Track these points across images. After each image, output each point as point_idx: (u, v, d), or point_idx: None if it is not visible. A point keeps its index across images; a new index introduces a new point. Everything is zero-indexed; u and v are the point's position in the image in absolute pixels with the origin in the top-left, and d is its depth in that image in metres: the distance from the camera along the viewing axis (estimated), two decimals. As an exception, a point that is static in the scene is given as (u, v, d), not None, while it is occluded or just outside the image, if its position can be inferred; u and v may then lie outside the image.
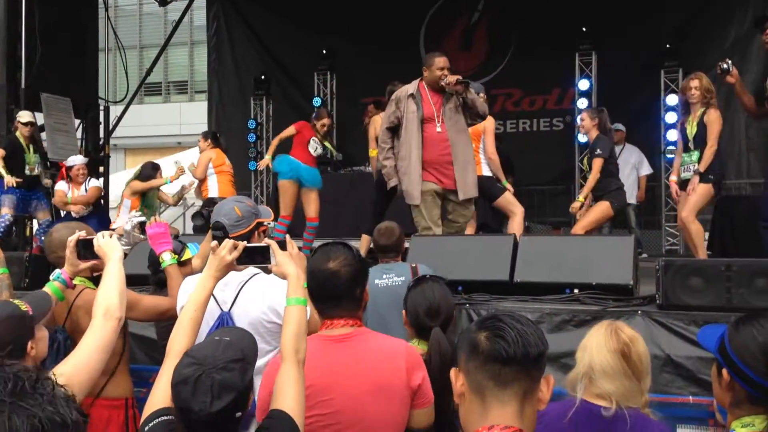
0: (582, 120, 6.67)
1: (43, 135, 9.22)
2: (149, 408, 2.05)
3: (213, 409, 1.82)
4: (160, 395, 2.06)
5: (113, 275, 2.46)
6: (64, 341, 3.08)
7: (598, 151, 6.32)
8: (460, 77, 5.61)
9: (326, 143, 7.60)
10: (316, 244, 6.98)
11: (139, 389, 3.42)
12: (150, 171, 7.84)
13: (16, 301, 2.31)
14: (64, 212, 8.15)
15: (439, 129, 5.75)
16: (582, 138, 8.50)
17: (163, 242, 3.26)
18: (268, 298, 2.69)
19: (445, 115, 5.75)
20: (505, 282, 4.76)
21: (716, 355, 1.84)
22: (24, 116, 7.92)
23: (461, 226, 5.98)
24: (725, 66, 5.05)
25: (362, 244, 6.87)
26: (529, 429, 1.58)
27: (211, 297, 2.49)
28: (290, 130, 7.48)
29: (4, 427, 0.76)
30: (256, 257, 2.42)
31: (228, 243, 2.37)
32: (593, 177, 6.30)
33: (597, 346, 2.34)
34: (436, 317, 2.84)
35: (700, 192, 5.74)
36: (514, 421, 1.55)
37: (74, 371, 2.08)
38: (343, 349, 2.32)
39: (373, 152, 7.24)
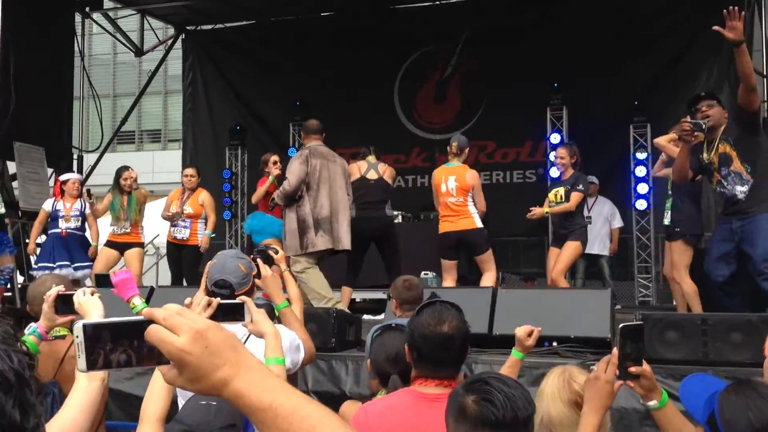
0: (561, 157, 6.74)
1: (15, 184, 9.14)
2: None
3: None
4: None
5: None
6: (59, 393, 3.02)
7: (581, 186, 6.47)
8: None
9: None
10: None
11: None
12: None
13: None
14: (49, 231, 7.91)
15: None
16: (554, 172, 8.56)
17: (129, 288, 3.22)
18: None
19: None
20: (485, 335, 4.77)
21: (705, 427, 1.81)
22: None
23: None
24: (702, 125, 4.81)
25: (344, 296, 6.85)
26: None
27: None
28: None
29: None
30: (230, 315, 2.35)
31: (202, 300, 2.34)
32: (569, 207, 6.43)
33: (551, 396, 2.32)
34: (395, 365, 2.88)
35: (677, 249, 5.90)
36: None
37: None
38: (435, 410, 2.18)
39: None
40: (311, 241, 6.27)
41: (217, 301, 2.32)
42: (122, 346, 0.98)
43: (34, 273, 7.75)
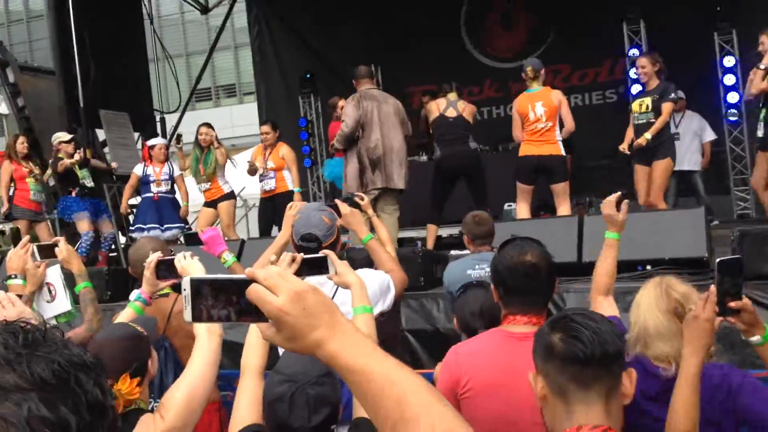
0: (642, 66, 6.48)
1: (106, 150, 9.50)
2: (235, 425, 2.07)
3: (312, 423, 1.85)
4: (244, 413, 2.08)
5: None
6: (170, 347, 3.22)
7: (672, 95, 6.24)
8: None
9: None
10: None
11: (225, 393, 3.53)
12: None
13: (132, 324, 2.40)
14: (142, 195, 8.22)
15: None
16: (636, 89, 8.23)
17: (218, 244, 3.33)
18: None
19: None
20: (574, 263, 4.72)
21: None
22: (64, 135, 8.12)
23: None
24: None
25: (429, 233, 6.90)
26: (617, 425, 1.57)
27: None
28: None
29: (26, 376, 0.76)
30: (315, 268, 2.39)
31: (287, 256, 2.38)
32: (664, 119, 6.22)
33: (648, 307, 2.24)
34: (481, 319, 2.90)
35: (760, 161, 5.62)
36: (601, 420, 1.54)
37: (192, 386, 2.16)
38: (523, 349, 2.18)
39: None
40: (370, 179, 6.42)
41: (300, 256, 2.37)
42: (224, 302, 1.05)
43: (132, 235, 8.13)
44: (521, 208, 6.61)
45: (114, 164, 8.87)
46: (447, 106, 6.99)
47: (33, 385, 0.75)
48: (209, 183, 7.89)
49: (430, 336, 4.87)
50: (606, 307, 2.59)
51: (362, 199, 3.82)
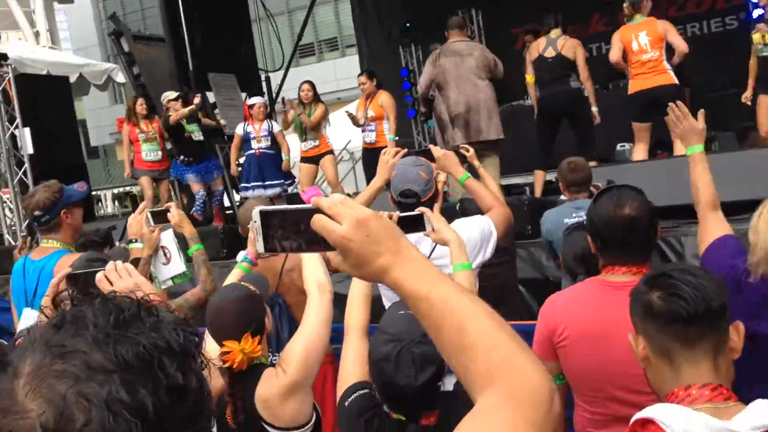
0: None
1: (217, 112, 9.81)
2: (343, 383, 2.14)
3: (418, 382, 1.87)
4: (350, 370, 2.15)
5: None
6: (284, 304, 3.33)
7: None
8: None
9: None
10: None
11: (337, 345, 3.63)
12: None
13: (244, 285, 2.46)
14: (245, 153, 8.43)
15: None
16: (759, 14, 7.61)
17: None
18: None
19: None
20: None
21: None
22: (171, 94, 8.43)
23: None
24: None
25: (537, 179, 6.76)
26: (727, 381, 1.50)
27: None
28: None
29: (111, 358, 0.78)
30: (412, 226, 2.35)
31: (383, 214, 2.36)
32: None
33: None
34: (583, 264, 2.84)
35: None
36: (711, 377, 1.48)
37: (308, 342, 2.24)
38: (621, 298, 2.12)
39: (530, 78, 7.05)
40: (450, 136, 6.39)
41: (396, 215, 2.36)
42: (293, 232, 1.06)
43: (240, 194, 8.43)
44: (638, 150, 6.32)
45: (223, 121, 9.12)
46: (546, 45, 6.75)
47: (117, 367, 0.77)
48: (317, 140, 8.02)
49: (540, 285, 4.80)
50: (718, 222, 2.41)
51: (468, 150, 3.79)
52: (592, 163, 6.58)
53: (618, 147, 8.16)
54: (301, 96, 7.97)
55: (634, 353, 1.63)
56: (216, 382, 1.73)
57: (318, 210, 1.04)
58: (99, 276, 1.93)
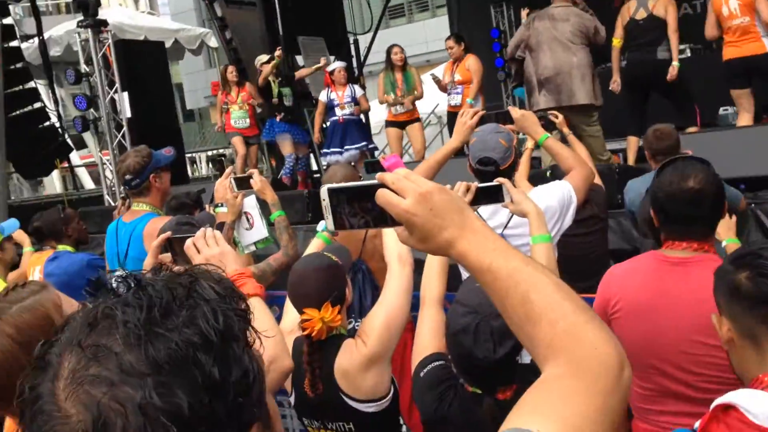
0: None
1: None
2: (418, 354, 2.13)
3: (497, 355, 1.84)
4: (426, 341, 2.14)
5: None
6: (367, 270, 3.34)
7: None
8: None
9: None
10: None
11: (414, 313, 3.62)
12: None
13: (326, 254, 2.46)
14: (329, 119, 8.48)
15: None
16: None
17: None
18: None
19: None
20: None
21: None
22: (263, 57, 8.53)
23: None
24: None
25: (629, 146, 6.52)
26: None
27: None
28: None
29: (142, 359, 0.76)
30: (490, 197, 2.30)
31: (461, 185, 2.32)
32: None
33: None
34: (652, 233, 2.68)
35: None
36: None
37: (389, 314, 2.25)
38: (676, 274, 2.13)
39: (616, 42, 6.73)
40: (535, 100, 6.27)
41: (475, 185, 2.30)
42: (360, 209, 1.05)
43: (321, 159, 8.51)
44: (742, 116, 6.01)
45: (323, 60, 9.01)
46: (637, 7, 6.43)
47: (150, 369, 0.76)
48: (410, 106, 7.99)
49: (630, 255, 4.62)
50: None
51: (557, 117, 3.71)
52: (692, 129, 6.29)
53: (720, 111, 7.73)
54: (394, 59, 7.91)
55: (718, 335, 1.55)
56: (272, 351, 1.73)
57: (383, 185, 1.03)
58: (188, 243, 1.94)
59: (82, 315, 0.81)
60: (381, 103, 8.34)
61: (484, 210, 2.75)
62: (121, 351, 0.77)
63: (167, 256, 2.05)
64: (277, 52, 8.26)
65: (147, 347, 0.77)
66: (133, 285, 0.82)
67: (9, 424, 1.58)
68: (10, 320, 1.50)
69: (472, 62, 7.81)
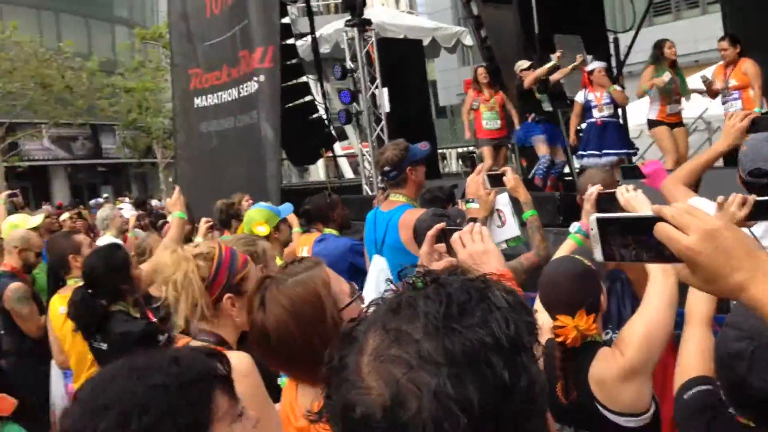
0: None
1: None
2: (682, 375, 1.99)
3: None
4: (691, 362, 1.99)
5: None
6: (626, 279, 3.05)
7: None
8: None
9: None
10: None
11: (677, 332, 3.38)
12: None
13: (579, 258, 2.38)
14: (585, 121, 8.20)
15: None
16: None
17: (661, 177, 3.04)
18: None
19: None
20: None
21: None
22: (524, 63, 8.55)
23: None
24: None
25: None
26: None
27: None
28: None
29: (440, 350, 0.78)
30: None
31: (736, 197, 2.08)
32: None
33: None
34: None
35: None
36: None
37: (649, 325, 2.16)
38: None
39: None
40: None
41: (752, 198, 2.06)
42: (633, 240, 1.00)
43: (576, 161, 8.23)
44: None
45: (579, 57, 8.76)
46: None
47: (445, 360, 0.79)
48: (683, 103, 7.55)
49: None
50: None
51: None
52: None
53: None
54: (667, 53, 7.42)
55: None
56: None
57: (661, 218, 0.98)
58: (455, 236, 1.95)
59: (387, 301, 0.87)
60: (641, 95, 7.80)
61: (758, 228, 2.48)
62: (421, 338, 0.80)
63: (442, 246, 2.10)
64: (557, 53, 8.17)
65: (444, 339, 0.80)
66: (430, 281, 0.86)
67: (288, 382, 1.74)
68: (285, 291, 1.62)
69: (749, 66, 7.10)
